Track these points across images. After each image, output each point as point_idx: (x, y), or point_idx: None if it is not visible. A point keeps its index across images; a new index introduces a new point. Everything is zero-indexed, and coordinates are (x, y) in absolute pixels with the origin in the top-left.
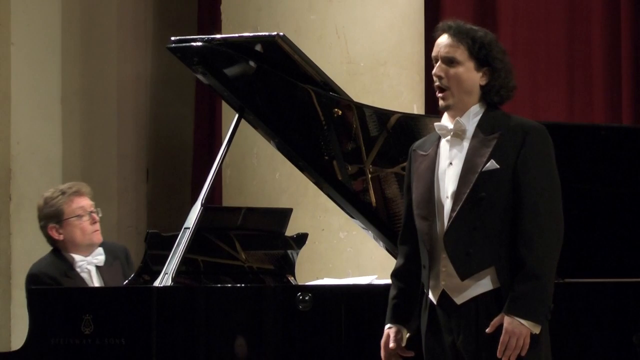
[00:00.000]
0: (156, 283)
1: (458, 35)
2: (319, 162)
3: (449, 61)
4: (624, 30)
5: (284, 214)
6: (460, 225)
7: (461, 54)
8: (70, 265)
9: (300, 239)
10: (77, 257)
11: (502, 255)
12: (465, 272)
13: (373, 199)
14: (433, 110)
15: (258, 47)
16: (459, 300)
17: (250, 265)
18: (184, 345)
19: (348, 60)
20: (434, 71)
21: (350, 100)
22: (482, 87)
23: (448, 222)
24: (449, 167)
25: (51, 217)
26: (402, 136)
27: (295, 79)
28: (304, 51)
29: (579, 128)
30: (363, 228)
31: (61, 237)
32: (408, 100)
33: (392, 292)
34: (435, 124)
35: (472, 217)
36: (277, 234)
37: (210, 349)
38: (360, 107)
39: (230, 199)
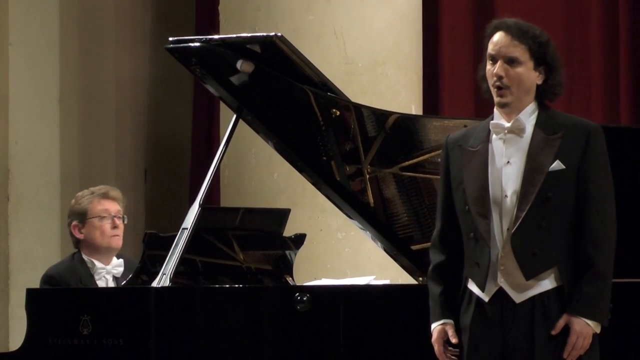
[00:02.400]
0: (154, 283)
1: (519, 34)
2: (317, 163)
3: (510, 61)
4: (622, 30)
5: (282, 215)
6: (527, 225)
7: (522, 53)
8: (88, 271)
9: (299, 240)
10: (97, 264)
11: (565, 254)
12: (531, 271)
13: (371, 200)
14: (431, 110)
15: (256, 48)
16: (518, 298)
17: (248, 265)
18: (182, 346)
19: (346, 61)
20: (495, 71)
21: (348, 101)
22: (538, 85)
23: (516, 222)
24: (507, 166)
25: (76, 214)
26: (400, 136)
27: (293, 79)
28: (302, 51)
29: None
30: (361, 228)
31: (82, 237)
32: (406, 100)
33: (438, 288)
34: (491, 122)
35: (538, 217)
36: (275, 235)
37: (209, 350)
38: (358, 107)
39: (228, 200)
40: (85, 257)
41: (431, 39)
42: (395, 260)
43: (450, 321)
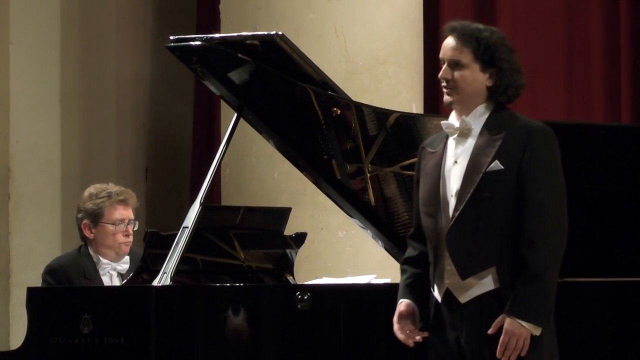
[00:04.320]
0: (155, 282)
1: (463, 37)
2: (318, 161)
3: (454, 64)
4: (623, 29)
5: (283, 213)
6: (462, 224)
7: (466, 56)
8: (94, 265)
9: (299, 238)
10: (103, 260)
11: (503, 255)
12: (466, 271)
13: (372, 198)
14: (432, 109)
15: (257, 46)
16: (463, 299)
17: (249, 264)
18: (183, 345)
19: (347, 59)
20: (440, 74)
21: (349, 100)
22: (488, 87)
23: (451, 221)
24: (454, 166)
25: (89, 214)
26: (401, 135)
27: (294, 78)
28: (303, 50)
29: (577, 127)
30: (362, 227)
31: (91, 236)
32: (407, 99)
33: (403, 276)
34: (442, 122)
35: (474, 216)
36: (276, 233)
37: (209, 348)
38: (359, 106)
39: (229, 198)
40: (91, 252)
41: (432, 37)
42: (396, 259)
43: (406, 300)
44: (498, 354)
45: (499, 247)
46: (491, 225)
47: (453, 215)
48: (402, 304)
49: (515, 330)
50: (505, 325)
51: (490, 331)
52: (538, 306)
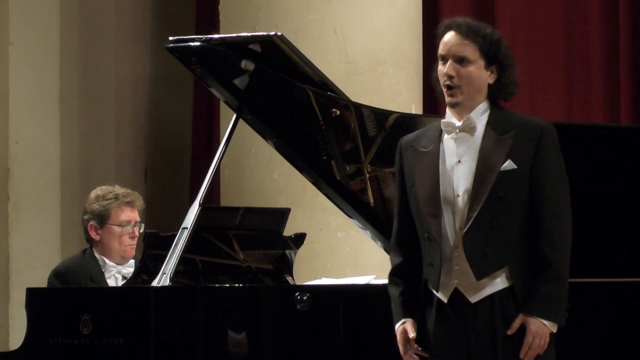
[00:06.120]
0: (154, 283)
1: (468, 33)
2: (317, 162)
3: (460, 60)
4: (622, 29)
5: (282, 214)
6: (479, 224)
7: (472, 52)
8: (99, 268)
9: (299, 239)
10: (109, 262)
11: (515, 254)
12: (482, 271)
13: (371, 199)
14: (431, 110)
15: (256, 47)
16: (474, 298)
17: (248, 265)
18: (182, 345)
19: (346, 60)
20: (445, 70)
21: (349, 100)
22: (490, 85)
23: (467, 222)
24: (458, 165)
25: (96, 215)
26: (400, 136)
27: (293, 78)
28: (302, 51)
29: (577, 128)
30: (361, 228)
31: (97, 238)
32: (406, 100)
33: (396, 290)
34: (442, 120)
35: (490, 216)
36: (275, 234)
37: (209, 349)
38: (359, 107)
39: (228, 199)
40: (96, 254)
41: (431, 38)
42: None
43: (410, 320)
44: (522, 354)
45: (512, 246)
46: (505, 225)
47: (469, 216)
48: (409, 327)
49: (539, 330)
50: (531, 326)
51: (509, 332)
52: (559, 305)
